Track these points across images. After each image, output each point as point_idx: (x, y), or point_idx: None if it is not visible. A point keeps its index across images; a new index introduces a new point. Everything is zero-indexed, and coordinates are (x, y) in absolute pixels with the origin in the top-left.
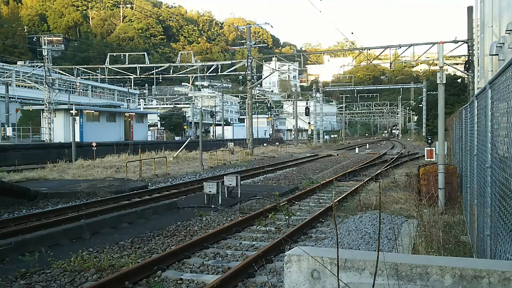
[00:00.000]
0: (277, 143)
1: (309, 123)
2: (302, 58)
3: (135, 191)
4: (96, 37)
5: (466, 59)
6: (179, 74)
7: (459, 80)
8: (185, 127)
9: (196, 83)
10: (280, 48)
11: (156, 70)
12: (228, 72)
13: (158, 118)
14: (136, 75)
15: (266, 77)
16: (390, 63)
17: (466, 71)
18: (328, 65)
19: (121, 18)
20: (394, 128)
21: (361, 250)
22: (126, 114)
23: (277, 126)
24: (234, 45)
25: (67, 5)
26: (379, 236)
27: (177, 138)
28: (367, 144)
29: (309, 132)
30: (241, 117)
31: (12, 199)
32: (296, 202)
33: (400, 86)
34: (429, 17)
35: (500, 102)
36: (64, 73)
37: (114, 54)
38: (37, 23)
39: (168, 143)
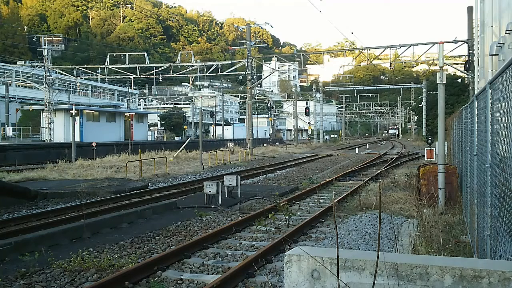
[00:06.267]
0: (277, 143)
1: (309, 123)
2: (302, 58)
3: (135, 191)
4: (96, 37)
5: (466, 59)
6: (179, 74)
7: (459, 80)
8: (185, 127)
9: (196, 83)
10: (280, 48)
11: (156, 70)
12: (228, 72)
13: (158, 118)
14: (136, 75)
15: (266, 77)
16: (390, 63)
17: (466, 71)
18: (328, 65)
19: (121, 18)
20: (391, 128)
21: (361, 250)
22: (126, 114)
23: (277, 126)
24: (234, 45)
25: (67, 5)
26: (379, 236)
27: (177, 138)
28: (367, 144)
29: (309, 132)
30: (241, 117)
31: (12, 199)
32: (296, 202)
33: (400, 86)
34: (429, 17)
35: (500, 102)
36: (64, 73)
37: (114, 54)
38: (37, 23)
39: (168, 143)
